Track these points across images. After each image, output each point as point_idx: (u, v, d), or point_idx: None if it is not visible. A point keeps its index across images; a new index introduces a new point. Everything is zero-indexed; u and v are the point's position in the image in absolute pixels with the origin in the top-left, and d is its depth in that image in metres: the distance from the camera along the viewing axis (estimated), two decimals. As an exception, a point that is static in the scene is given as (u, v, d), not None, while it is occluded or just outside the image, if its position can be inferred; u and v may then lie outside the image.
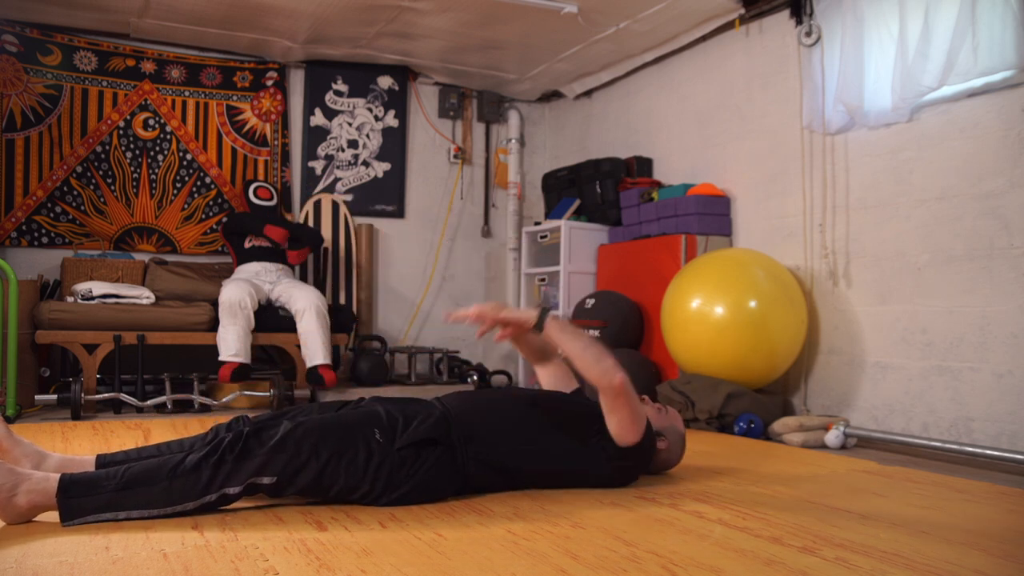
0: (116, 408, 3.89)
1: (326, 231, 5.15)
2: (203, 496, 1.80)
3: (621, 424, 2.12)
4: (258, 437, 1.85)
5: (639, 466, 2.27)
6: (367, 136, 5.40)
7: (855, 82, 3.42)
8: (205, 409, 4.01)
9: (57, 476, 1.76)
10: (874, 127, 3.42)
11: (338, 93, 5.32)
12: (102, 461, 2.01)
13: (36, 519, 1.77)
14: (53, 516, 1.76)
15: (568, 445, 2.15)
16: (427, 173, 5.61)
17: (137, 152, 4.80)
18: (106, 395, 3.84)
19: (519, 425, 2.13)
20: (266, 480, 1.83)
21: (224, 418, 3.69)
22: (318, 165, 5.28)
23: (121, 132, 4.77)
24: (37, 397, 3.90)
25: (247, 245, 4.53)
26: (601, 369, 2.04)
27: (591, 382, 2.09)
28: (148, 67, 4.83)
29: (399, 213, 5.49)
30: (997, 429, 2.93)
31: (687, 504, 2.09)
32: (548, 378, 2.46)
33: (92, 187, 4.68)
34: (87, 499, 1.74)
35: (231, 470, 1.80)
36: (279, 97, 5.14)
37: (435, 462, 1.98)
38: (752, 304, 3.45)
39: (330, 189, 5.29)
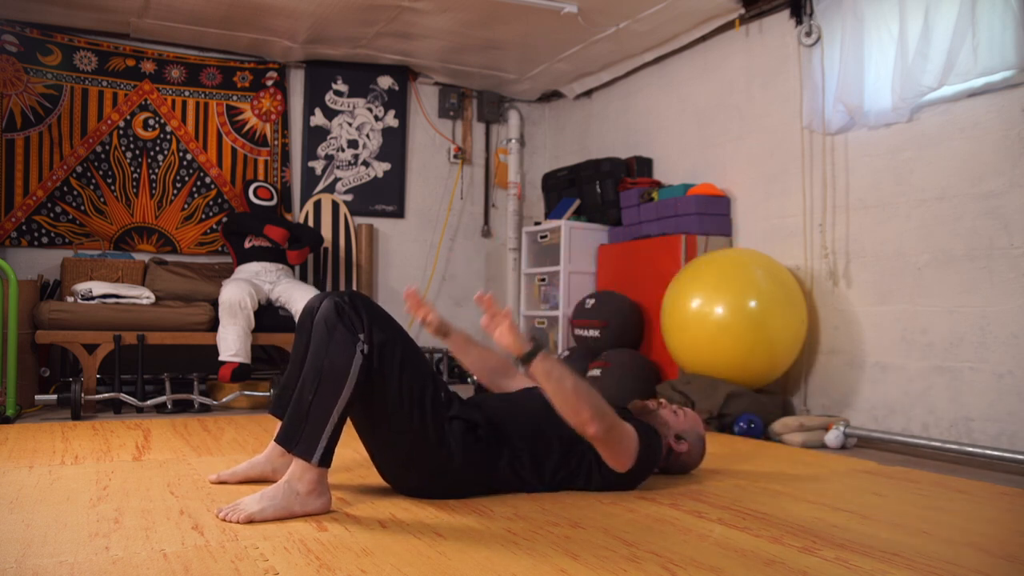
0: (116, 408, 3.89)
1: (326, 231, 5.15)
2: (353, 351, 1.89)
3: (608, 459, 2.13)
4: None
5: (638, 477, 2.24)
6: (367, 136, 5.41)
7: (855, 82, 3.42)
8: (205, 409, 4.01)
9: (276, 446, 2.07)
10: (874, 127, 3.42)
11: (338, 93, 5.32)
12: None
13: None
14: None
15: (580, 457, 2.16)
16: (427, 173, 5.61)
17: (137, 152, 4.80)
18: (106, 395, 3.84)
19: (545, 434, 2.15)
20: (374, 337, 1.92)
21: (224, 419, 3.71)
22: (318, 165, 5.28)
23: (121, 132, 4.77)
24: (37, 397, 3.90)
25: (247, 245, 4.53)
26: (579, 420, 2.00)
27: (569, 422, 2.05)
28: (148, 67, 4.83)
29: (399, 213, 5.49)
30: (997, 429, 2.93)
31: (687, 504, 2.09)
32: (480, 365, 2.46)
33: (92, 187, 4.68)
34: (305, 428, 1.88)
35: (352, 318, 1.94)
36: (279, 97, 5.14)
37: (474, 446, 2.03)
38: (752, 304, 3.45)
39: (330, 189, 5.29)
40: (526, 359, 1.97)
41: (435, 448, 1.99)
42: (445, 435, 1.99)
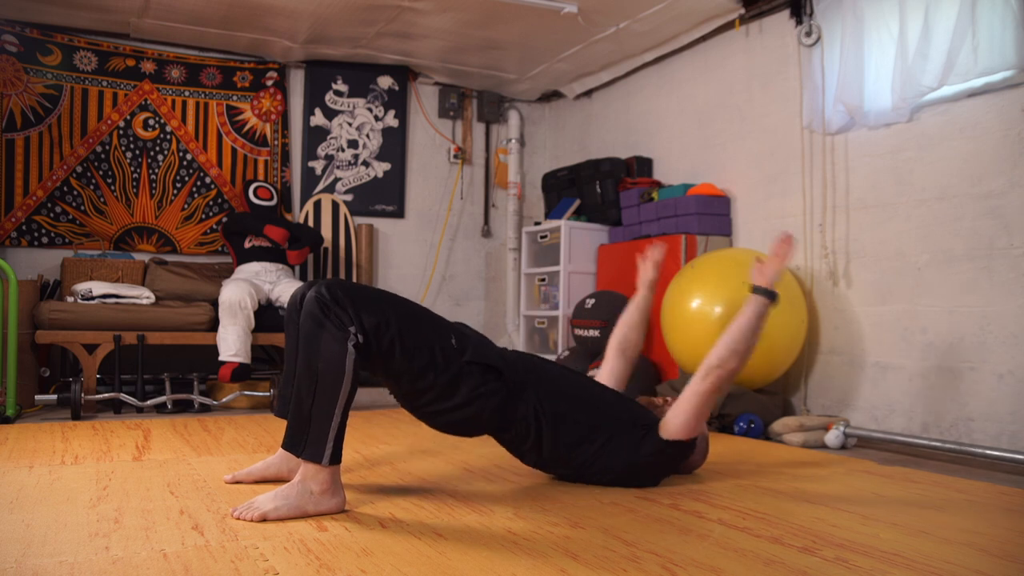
0: (116, 408, 3.89)
1: (326, 231, 5.15)
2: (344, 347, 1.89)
3: (687, 413, 2.19)
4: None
5: (671, 464, 2.30)
6: (367, 136, 5.41)
7: (855, 82, 3.42)
8: (205, 409, 4.01)
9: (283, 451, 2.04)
10: (874, 127, 3.42)
11: (338, 93, 5.32)
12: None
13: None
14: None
15: (616, 423, 2.22)
16: (427, 173, 5.61)
17: (137, 152, 4.80)
18: (106, 395, 3.84)
19: (574, 392, 2.24)
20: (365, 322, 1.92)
21: (224, 418, 3.71)
22: (318, 165, 5.28)
23: (121, 132, 4.77)
24: (37, 397, 3.90)
25: (247, 245, 4.53)
26: (730, 355, 2.16)
27: (715, 355, 2.17)
28: (148, 67, 4.83)
29: (399, 213, 5.49)
30: (997, 429, 2.93)
31: (687, 504, 2.09)
32: (608, 373, 2.68)
33: (92, 187, 4.68)
34: (310, 432, 1.89)
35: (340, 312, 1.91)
36: (279, 97, 5.14)
37: (492, 392, 2.06)
38: (752, 304, 3.44)
39: (330, 189, 5.29)
40: (759, 291, 2.22)
41: (450, 397, 2.03)
42: (461, 385, 2.02)
